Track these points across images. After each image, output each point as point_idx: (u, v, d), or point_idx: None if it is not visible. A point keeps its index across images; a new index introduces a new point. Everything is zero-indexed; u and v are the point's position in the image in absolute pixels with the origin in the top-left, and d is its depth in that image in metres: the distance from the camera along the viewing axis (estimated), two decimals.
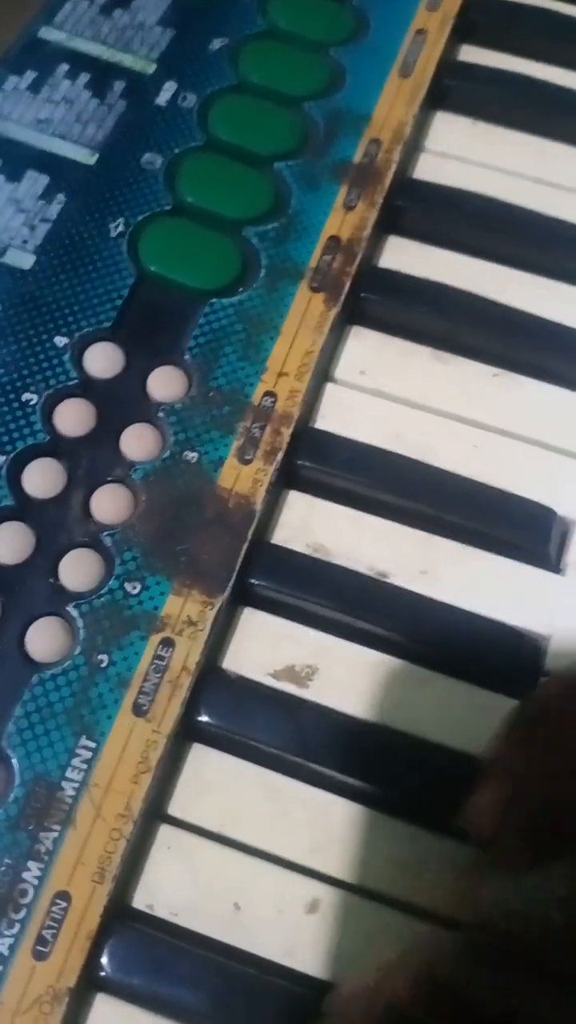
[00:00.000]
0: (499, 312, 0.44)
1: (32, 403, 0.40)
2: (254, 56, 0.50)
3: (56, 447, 0.39)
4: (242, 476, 0.39)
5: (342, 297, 0.43)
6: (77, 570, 0.37)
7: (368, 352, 0.44)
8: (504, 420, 0.42)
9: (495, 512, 0.40)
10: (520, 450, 0.41)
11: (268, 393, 0.41)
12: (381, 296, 0.44)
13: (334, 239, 0.44)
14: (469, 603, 0.38)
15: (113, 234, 0.44)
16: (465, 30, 0.52)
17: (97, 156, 0.46)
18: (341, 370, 0.43)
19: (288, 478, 0.41)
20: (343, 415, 0.42)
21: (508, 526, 0.39)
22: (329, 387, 0.43)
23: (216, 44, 0.50)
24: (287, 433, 0.40)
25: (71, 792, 0.34)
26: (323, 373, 0.43)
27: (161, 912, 0.34)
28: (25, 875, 0.33)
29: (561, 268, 0.45)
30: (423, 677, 0.38)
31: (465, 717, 0.37)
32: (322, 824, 0.35)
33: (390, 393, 0.43)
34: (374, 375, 0.43)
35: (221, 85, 0.49)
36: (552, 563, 0.39)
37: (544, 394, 0.43)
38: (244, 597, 0.39)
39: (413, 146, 0.49)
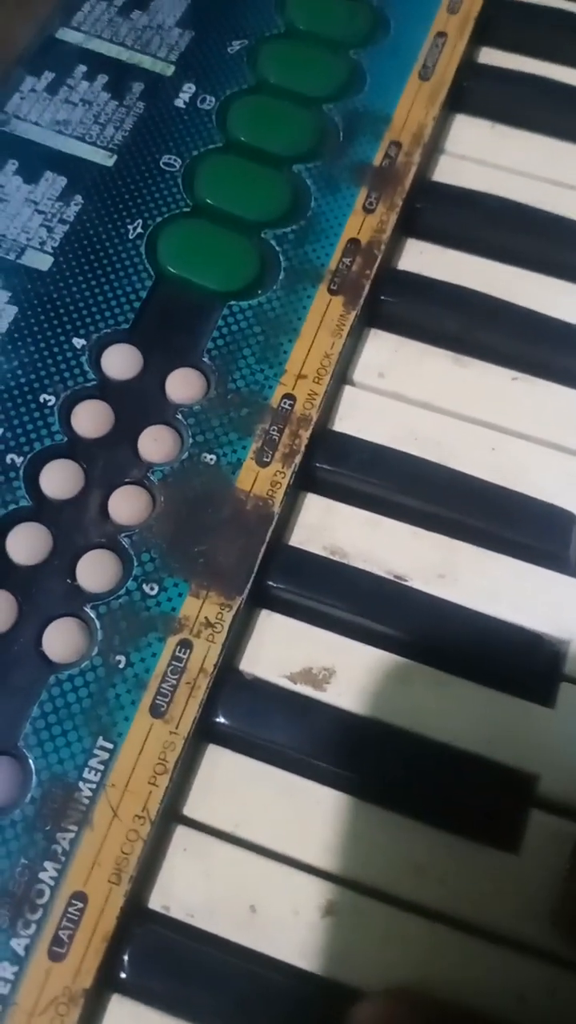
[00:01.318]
0: (519, 315, 0.44)
1: (50, 404, 0.41)
2: (273, 57, 0.51)
3: (74, 448, 0.40)
4: (260, 478, 0.40)
5: (361, 300, 0.44)
6: (95, 571, 0.38)
7: (387, 354, 0.44)
8: (523, 423, 0.42)
9: (514, 515, 0.40)
10: (539, 453, 0.41)
11: (287, 396, 0.41)
12: (400, 298, 0.45)
13: (353, 241, 0.45)
14: (487, 607, 0.39)
15: (131, 235, 0.45)
16: (485, 32, 0.53)
17: (115, 158, 0.47)
18: (360, 372, 0.44)
19: (306, 480, 0.41)
20: (361, 417, 0.43)
21: (527, 529, 0.40)
22: (347, 389, 0.43)
23: (235, 46, 0.51)
24: (305, 435, 0.41)
25: (88, 793, 0.35)
26: (342, 375, 0.44)
27: (177, 913, 0.35)
28: (42, 875, 0.34)
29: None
30: (440, 680, 0.38)
31: (482, 721, 0.37)
32: (338, 826, 0.36)
33: (409, 396, 0.43)
34: (393, 378, 0.44)
35: (240, 87, 0.50)
36: (571, 566, 0.40)
37: (564, 397, 0.43)
38: (262, 599, 0.39)
39: (433, 148, 0.50)
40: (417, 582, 0.39)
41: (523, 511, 0.40)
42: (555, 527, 0.40)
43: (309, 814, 0.36)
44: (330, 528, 0.41)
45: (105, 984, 0.33)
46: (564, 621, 0.39)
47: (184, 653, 0.37)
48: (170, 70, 0.50)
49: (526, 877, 0.35)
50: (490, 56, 0.53)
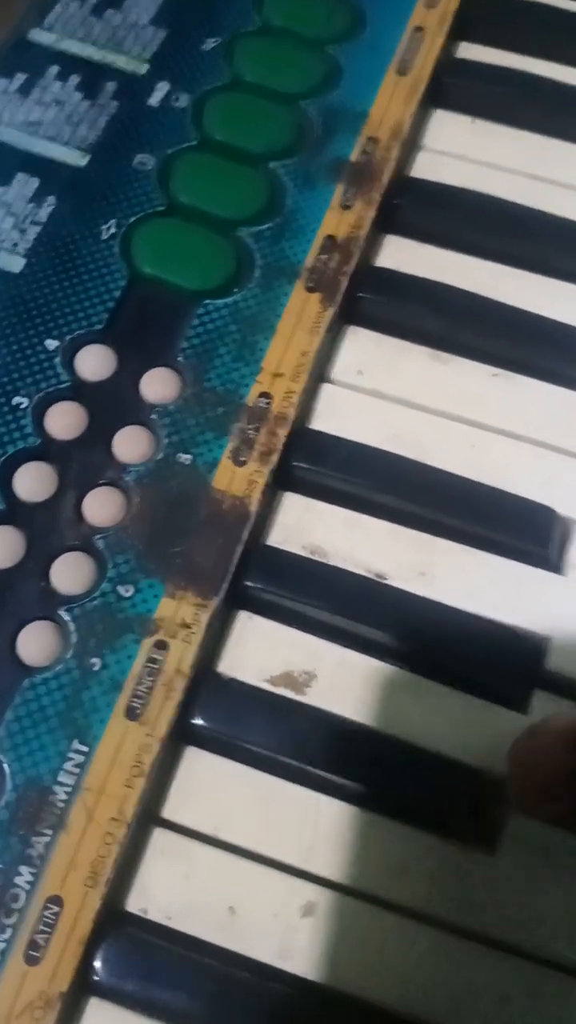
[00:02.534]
0: (498, 311, 0.45)
1: (23, 407, 0.41)
2: (249, 54, 0.51)
3: (48, 450, 0.41)
4: (237, 477, 0.40)
5: (338, 297, 0.45)
6: (69, 573, 0.39)
7: (365, 352, 0.45)
8: (503, 420, 0.43)
9: (494, 512, 0.41)
10: (519, 450, 0.42)
11: (263, 394, 0.42)
12: (378, 296, 0.46)
13: (330, 238, 0.46)
14: (468, 604, 0.39)
15: (105, 236, 0.46)
16: (463, 27, 0.54)
17: (89, 158, 0.48)
18: (338, 370, 0.45)
19: (284, 479, 0.42)
20: (340, 416, 0.43)
21: (507, 527, 0.41)
22: (326, 387, 0.44)
23: (210, 43, 0.52)
24: (283, 434, 0.42)
25: (63, 796, 0.35)
26: (320, 373, 0.44)
27: (155, 916, 0.35)
28: (17, 880, 0.34)
29: (561, 266, 0.46)
30: (420, 685, 0.39)
31: (462, 725, 0.38)
32: (318, 827, 0.36)
33: (387, 393, 0.44)
34: (371, 375, 0.44)
35: (215, 84, 0.51)
36: (552, 563, 0.40)
37: (543, 394, 0.44)
38: (240, 600, 0.40)
39: (411, 144, 0.51)
40: (397, 581, 0.40)
41: (503, 508, 0.41)
42: (535, 524, 0.41)
43: (289, 816, 0.37)
44: (309, 527, 0.41)
45: (82, 988, 0.34)
46: (545, 618, 0.39)
47: (160, 655, 0.37)
48: (144, 68, 0.51)
49: (503, 878, 0.35)
50: (469, 51, 0.54)
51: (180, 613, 0.38)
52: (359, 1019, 0.34)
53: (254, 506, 0.40)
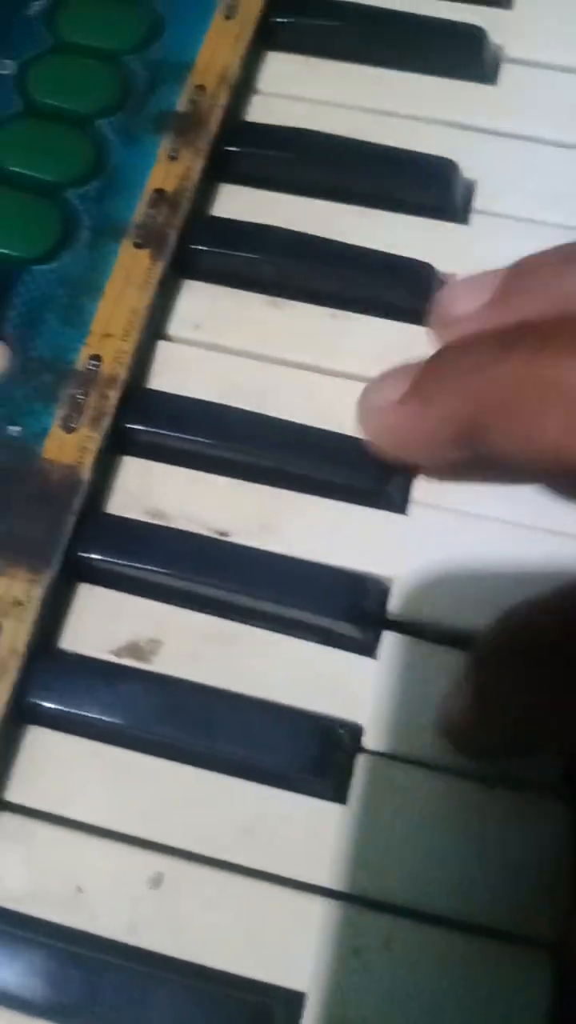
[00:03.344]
0: (331, 249, 0.44)
1: None
2: (71, 16, 0.50)
3: None
4: (66, 445, 0.39)
5: (167, 250, 0.43)
6: None
7: (202, 305, 0.44)
8: (344, 362, 0.42)
9: (335, 457, 0.40)
10: (358, 390, 0.41)
11: (93, 357, 0.41)
12: (211, 246, 0.45)
13: (158, 192, 0.45)
14: (310, 554, 0.38)
15: None
16: None
17: None
18: (174, 326, 0.44)
19: (121, 443, 0.41)
20: (178, 373, 0.42)
21: (348, 470, 0.40)
22: (162, 345, 0.43)
23: (34, 8, 0.51)
24: (114, 396, 0.40)
25: None
26: (157, 332, 0.43)
27: (2, 902, 0.34)
28: None
29: (393, 196, 0.45)
30: (268, 638, 0.38)
31: (306, 675, 0.37)
32: (164, 795, 0.35)
33: (225, 345, 0.43)
34: (209, 329, 0.43)
35: (39, 49, 0.49)
36: (396, 504, 0.39)
37: (385, 330, 0.43)
38: (79, 572, 0.39)
39: (247, 89, 0.49)
40: (239, 536, 0.39)
41: (344, 452, 0.40)
42: (376, 464, 0.39)
43: (135, 787, 0.36)
44: (149, 491, 0.40)
45: None
46: (389, 560, 0.38)
47: None
48: None
49: (357, 826, 0.34)
50: None
51: (11, 591, 0.37)
52: (212, 988, 0.33)
53: (86, 473, 0.39)
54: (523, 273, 0.38)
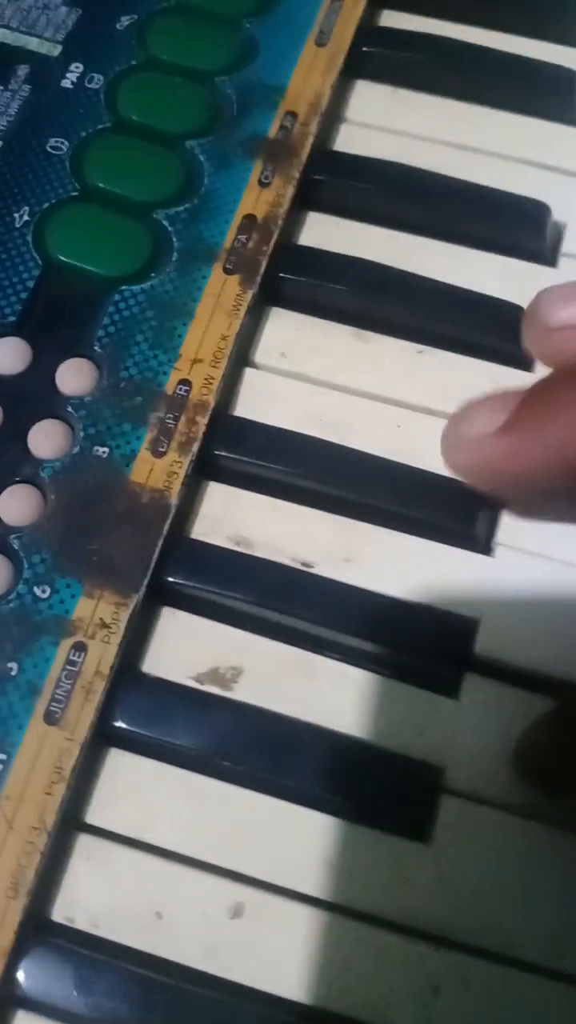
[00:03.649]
0: (421, 286, 0.44)
1: None
2: (163, 32, 0.51)
3: None
4: (156, 469, 0.40)
5: (258, 278, 0.44)
6: None
7: (288, 334, 0.44)
8: (428, 398, 0.42)
9: (420, 494, 0.40)
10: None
11: (182, 381, 0.41)
12: (299, 275, 0.45)
13: (249, 218, 0.45)
14: (395, 590, 0.39)
15: (18, 224, 0.45)
16: None
17: (0, 144, 0.47)
18: (260, 354, 0.44)
19: (207, 469, 0.41)
20: (263, 401, 0.43)
21: (433, 508, 0.40)
22: (248, 372, 0.43)
23: (124, 21, 0.51)
24: (203, 422, 0.41)
25: None
26: (242, 358, 0.44)
27: (81, 924, 0.35)
28: None
29: (484, 235, 0.46)
30: (348, 673, 0.38)
31: (390, 712, 0.37)
32: (244, 824, 0.36)
33: (311, 376, 0.43)
34: (295, 358, 0.44)
35: (130, 64, 0.50)
36: (479, 542, 0.40)
37: (470, 369, 0.43)
38: (163, 596, 0.39)
39: (333, 117, 0.50)
40: (323, 569, 0.39)
41: (430, 489, 0.40)
42: (460, 504, 0.40)
43: (215, 815, 0.36)
44: (233, 517, 0.41)
45: (7, 1001, 0.34)
46: (474, 599, 0.39)
47: (78, 656, 0.37)
48: (57, 50, 0.50)
49: (435, 867, 0.35)
50: (391, 19, 0.53)
51: (99, 613, 0.37)
52: (289, 1019, 0.33)
53: (174, 498, 0.39)
54: None
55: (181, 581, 0.39)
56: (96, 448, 0.40)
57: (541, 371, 0.39)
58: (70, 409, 0.41)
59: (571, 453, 0.32)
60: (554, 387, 0.34)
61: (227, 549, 0.40)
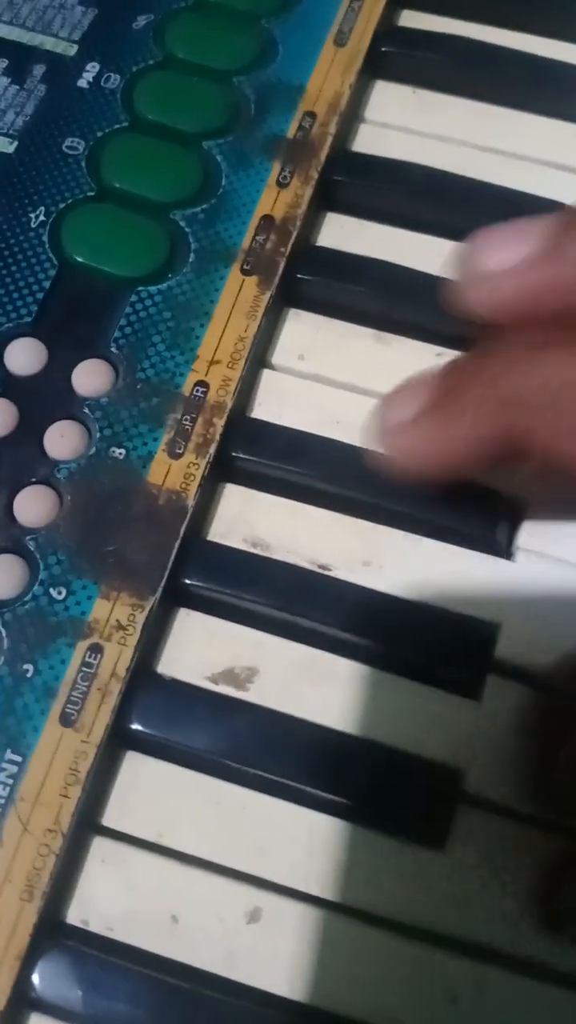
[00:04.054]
0: (439, 287, 0.44)
1: None
2: (181, 31, 0.51)
3: None
4: (173, 470, 0.40)
5: (276, 279, 0.44)
6: (0, 577, 0.38)
7: (306, 335, 0.44)
8: None
9: (439, 497, 0.40)
10: None
11: (199, 383, 0.41)
12: (318, 276, 0.45)
13: (267, 218, 0.45)
14: (413, 593, 0.39)
15: (34, 224, 0.45)
16: None
17: (16, 144, 0.47)
18: (278, 355, 0.44)
19: (224, 470, 0.41)
20: (280, 402, 0.43)
21: (453, 512, 0.40)
22: (266, 373, 0.43)
23: (141, 21, 0.51)
24: (220, 424, 0.41)
25: None
26: (260, 359, 0.44)
27: (96, 927, 0.35)
28: None
29: None
30: (366, 675, 0.38)
31: (406, 716, 0.37)
32: (260, 829, 0.36)
33: (329, 377, 0.43)
34: (313, 359, 0.44)
35: (146, 63, 0.50)
36: (502, 548, 0.40)
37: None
38: (179, 598, 0.39)
39: (352, 118, 0.50)
40: (341, 571, 0.39)
41: (448, 492, 0.40)
42: (482, 507, 0.40)
43: (231, 818, 0.36)
44: (250, 519, 0.41)
45: (21, 1003, 0.33)
46: (494, 604, 0.38)
47: (94, 658, 0.37)
48: (73, 50, 0.50)
49: (452, 873, 0.35)
50: (411, 19, 0.53)
51: (115, 614, 0.37)
52: None
53: (191, 499, 0.39)
54: None
55: (198, 583, 0.39)
56: (112, 449, 0.40)
57: None
58: (86, 410, 0.41)
59: (499, 426, 0.31)
60: (469, 362, 0.34)
61: (244, 551, 0.40)
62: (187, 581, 0.39)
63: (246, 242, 0.45)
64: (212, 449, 0.40)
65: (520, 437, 0.32)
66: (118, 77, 0.49)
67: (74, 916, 0.35)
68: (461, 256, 0.35)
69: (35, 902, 0.34)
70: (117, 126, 0.48)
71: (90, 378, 0.42)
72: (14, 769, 0.35)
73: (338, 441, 0.42)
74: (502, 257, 0.34)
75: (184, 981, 0.34)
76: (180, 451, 0.40)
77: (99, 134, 0.48)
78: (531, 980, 0.34)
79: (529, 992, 0.34)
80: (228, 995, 0.34)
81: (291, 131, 0.48)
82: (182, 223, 0.45)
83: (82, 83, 0.49)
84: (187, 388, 0.41)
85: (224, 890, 0.35)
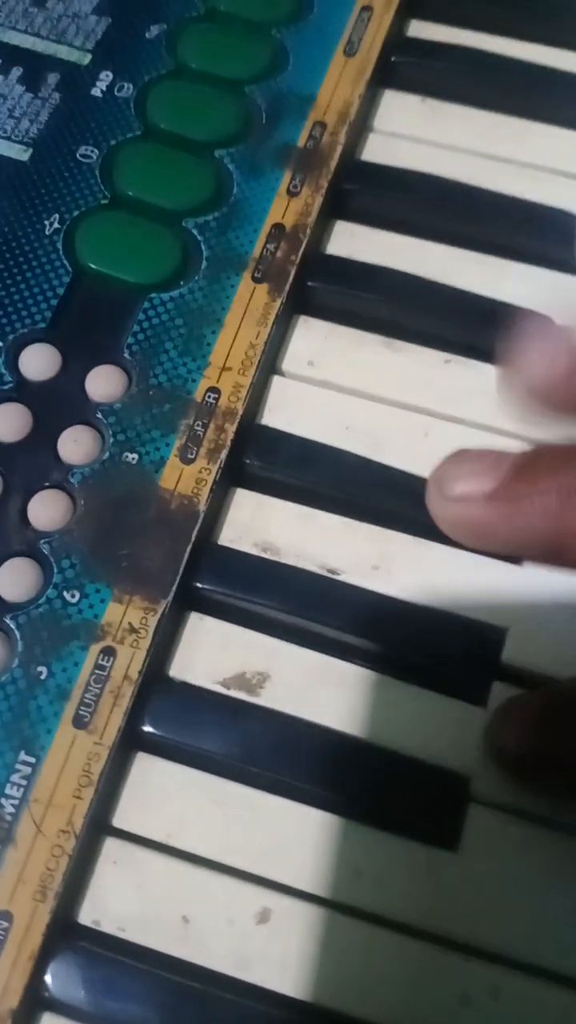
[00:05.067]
0: (449, 295, 0.44)
1: None
2: (193, 40, 0.51)
3: None
4: (184, 476, 0.40)
5: (287, 286, 0.44)
6: (14, 580, 0.38)
7: (316, 342, 0.45)
8: (456, 407, 0.43)
9: None
10: (473, 437, 0.42)
11: (211, 389, 0.42)
12: (328, 284, 0.45)
13: (278, 227, 0.45)
14: (422, 597, 0.39)
15: (48, 231, 0.45)
16: (413, 5, 0.53)
17: (31, 152, 0.47)
18: (288, 362, 0.44)
19: (235, 476, 0.41)
20: (291, 409, 0.43)
21: None
22: (276, 380, 0.44)
23: (154, 30, 0.51)
24: (231, 430, 0.41)
25: (10, 810, 0.35)
26: (270, 366, 0.44)
27: (108, 928, 0.35)
28: None
29: (512, 246, 0.46)
30: (374, 679, 0.38)
31: (415, 721, 0.37)
32: (271, 830, 0.36)
33: (339, 384, 0.43)
34: (323, 366, 0.44)
35: (159, 72, 0.50)
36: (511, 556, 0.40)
37: (496, 378, 0.43)
38: (190, 601, 0.39)
39: (362, 127, 0.50)
40: (351, 576, 0.40)
41: None
42: None
43: (242, 820, 0.36)
44: (261, 525, 0.41)
45: (34, 1003, 0.34)
46: (502, 609, 0.39)
47: (107, 661, 0.37)
48: (87, 59, 0.50)
49: (463, 876, 0.35)
50: (420, 29, 0.53)
51: (128, 618, 0.38)
52: None
53: (203, 505, 0.40)
54: None
55: (209, 587, 0.39)
56: (125, 454, 0.40)
57: None
58: (100, 415, 0.41)
59: (547, 534, 0.31)
60: (544, 457, 0.32)
61: (255, 556, 0.40)
62: (199, 585, 0.39)
63: (257, 250, 0.45)
64: (223, 455, 0.41)
65: (559, 549, 0.32)
66: (131, 86, 0.50)
67: (86, 917, 0.35)
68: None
69: (48, 903, 0.34)
70: (130, 134, 0.48)
71: (104, 384, 0.42)
72: (28, 771, 0.36)
73: (348, 447, 0.42)
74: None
75: (195, 982, 0.34)
76: (192, 456, 0.40)
77: (112, 142, 0.48)
78: (543, 983, 0.34)
79: (541, 996, 0.34)
80: (238, 996, 0.34)
81: (302, 140, 0.48)
82: (194, 231, 0.46)
83: (96, 92, 0.49)
84: (199, 394, 0.42)
85: (235, 891, 0.36)
